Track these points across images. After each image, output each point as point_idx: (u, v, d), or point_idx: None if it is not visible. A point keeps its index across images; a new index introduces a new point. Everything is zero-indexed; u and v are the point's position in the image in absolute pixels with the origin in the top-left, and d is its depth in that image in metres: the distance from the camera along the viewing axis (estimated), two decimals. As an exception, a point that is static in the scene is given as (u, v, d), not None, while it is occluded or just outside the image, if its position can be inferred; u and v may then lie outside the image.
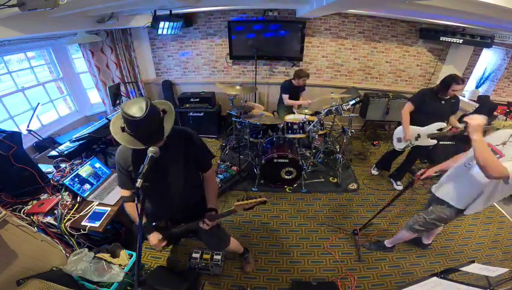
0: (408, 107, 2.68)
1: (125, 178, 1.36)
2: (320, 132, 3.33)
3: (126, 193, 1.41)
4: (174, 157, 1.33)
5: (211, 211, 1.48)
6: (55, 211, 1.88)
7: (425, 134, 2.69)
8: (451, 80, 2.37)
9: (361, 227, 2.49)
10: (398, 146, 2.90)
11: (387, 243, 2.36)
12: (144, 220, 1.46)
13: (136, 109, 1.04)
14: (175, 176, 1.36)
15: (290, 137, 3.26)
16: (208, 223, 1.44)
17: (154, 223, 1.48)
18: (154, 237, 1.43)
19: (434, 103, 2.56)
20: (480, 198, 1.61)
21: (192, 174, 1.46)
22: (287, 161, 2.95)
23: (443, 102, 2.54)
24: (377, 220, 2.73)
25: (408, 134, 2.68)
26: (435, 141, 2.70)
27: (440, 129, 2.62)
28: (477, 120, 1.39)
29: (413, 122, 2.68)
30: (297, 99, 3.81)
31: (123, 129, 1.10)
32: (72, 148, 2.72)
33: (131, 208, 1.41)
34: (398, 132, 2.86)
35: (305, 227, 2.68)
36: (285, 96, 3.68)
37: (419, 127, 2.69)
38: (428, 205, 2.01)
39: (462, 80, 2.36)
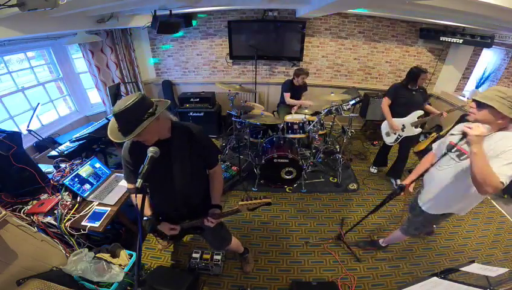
0: (385, 101, 2.92)
1: (129, 172, 1.36)
2: (320, 132, 3.33)
3: (131, 186, 1.42)
4: (179, 153, 1.32)
5: (214, 208, 1.48)
6: (55, 211, 1.88)
7: (409, 123, 2.87)
8: (419, 71, 2.68)
9: (345, 231, 2.47)
10: (389, 140, 3.06)
11: (382, 242, 2.37)
12: (150, 212, 1.46)
13: (120, 104, 1.07)
14: (180, 173, 1.35)
15: (290, 137, 3.26)
16: (212, 220, 1.44)
17: (160, 218, 1.49)
18: (164, 226, 1.46)
19: (407, 94, 2.81)
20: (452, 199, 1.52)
21: (197, 171, 1.44)
22: (287, 160, 2.95)
23: (414, 92, 2.80)
24: (376, 220, 2.75)
25: (394, 124, 2.88)
26: (420, 130, 2.91)
27: (420, 117, 2.82)
28: (477, 130, 1.12)
29: (395, 114, 2.89)
30: (299, 99, 3.82)
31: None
32: (72, 148, 2.72)
33: (137, 200, 1.42)
34: (384, 126, 3.06)
35: (305, 227, 2.68)
36: (287, 95, 3.69)
37: (402, 118, 2.87)
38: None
39: (426, 70, 2.73)
